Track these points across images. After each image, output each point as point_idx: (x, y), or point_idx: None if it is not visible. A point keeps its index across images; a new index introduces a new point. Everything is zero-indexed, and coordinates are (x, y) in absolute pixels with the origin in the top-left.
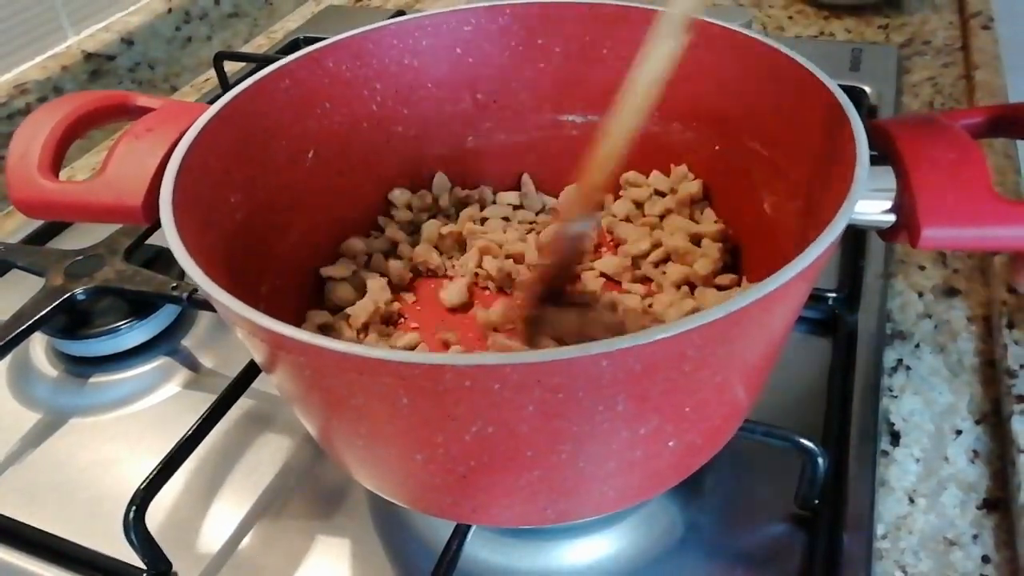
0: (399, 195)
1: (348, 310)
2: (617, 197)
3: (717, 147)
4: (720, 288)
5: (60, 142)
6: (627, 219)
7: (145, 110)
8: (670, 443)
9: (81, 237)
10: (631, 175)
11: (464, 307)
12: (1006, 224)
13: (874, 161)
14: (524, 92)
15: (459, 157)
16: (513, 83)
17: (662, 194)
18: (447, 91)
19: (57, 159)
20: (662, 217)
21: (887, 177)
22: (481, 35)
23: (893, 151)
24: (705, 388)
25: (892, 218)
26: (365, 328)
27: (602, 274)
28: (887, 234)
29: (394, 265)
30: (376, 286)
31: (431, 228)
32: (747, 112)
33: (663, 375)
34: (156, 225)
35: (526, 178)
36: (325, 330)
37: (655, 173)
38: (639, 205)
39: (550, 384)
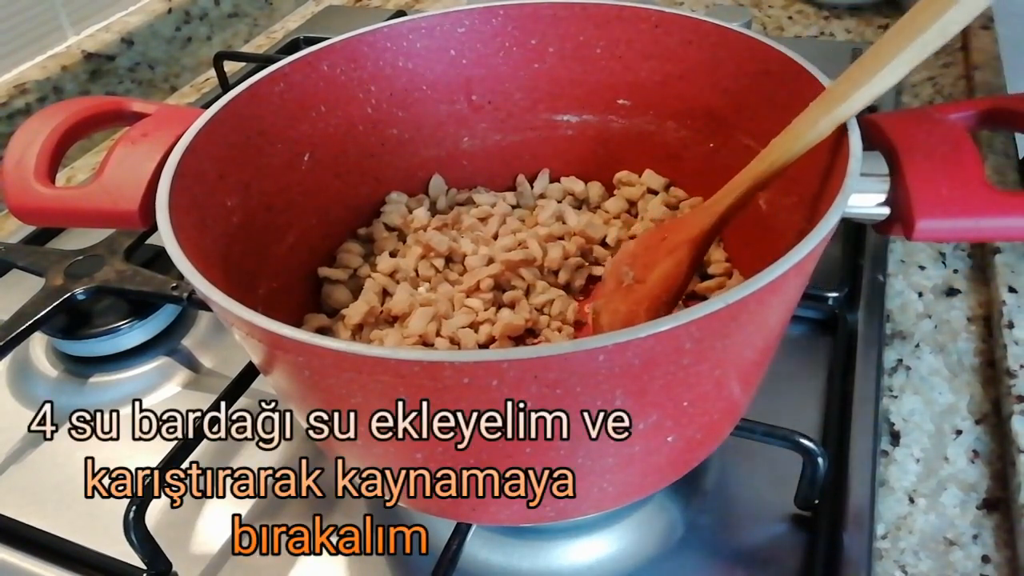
0: (396, 197)
1: (342, 311)
2: (611, 195)
3: (711, 144)
4: (712, 277)
5: (55, 149)
6: (618, 217)
7: (140, 115)
8: (668, 438)
9: (81, 237)
10: (624, 174)
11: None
12: (1000, 215)
13: (867, 155)
14: (519, 92)
15: (454, 158)
16: (507, 84)
17: (655, 192)
18: (442, 93)
19: (53, 166)
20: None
21: (881, 170)
22: (475, 36)
23: (886, 145)
24: (703, 382)
25: (886, 211)
26: (360, 328)
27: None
28: (882, 227)
29: (391, 266)
30: (370, 287)
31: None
32: (741, 109)
33: (661, 369)
34: (153, 229)
35: (521, 178)
36: (322, 333)
37: (648, 172)
38: (632, 203)
39: (547, 380)
